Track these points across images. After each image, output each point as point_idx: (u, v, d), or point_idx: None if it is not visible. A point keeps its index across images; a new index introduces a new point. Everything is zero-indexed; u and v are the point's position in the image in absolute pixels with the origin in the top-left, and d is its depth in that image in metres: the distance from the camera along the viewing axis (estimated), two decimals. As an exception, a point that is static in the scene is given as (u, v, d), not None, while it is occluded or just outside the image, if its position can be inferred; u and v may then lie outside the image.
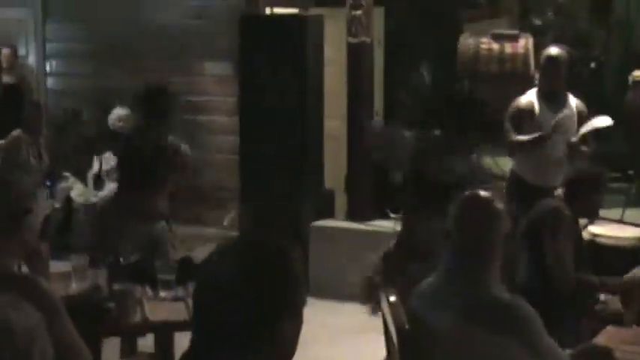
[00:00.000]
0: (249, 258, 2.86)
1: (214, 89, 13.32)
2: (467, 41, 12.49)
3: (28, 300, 2.77)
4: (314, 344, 8.76)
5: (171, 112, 7.82)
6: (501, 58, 12.19)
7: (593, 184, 7.23)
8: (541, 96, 8.99)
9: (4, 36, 14.11)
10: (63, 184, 12.52)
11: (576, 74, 10.46)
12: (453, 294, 4.38)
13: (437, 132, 11.17)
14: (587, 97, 9.36)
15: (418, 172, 9.71)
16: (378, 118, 12.45)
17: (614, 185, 11.73)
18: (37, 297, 4.02)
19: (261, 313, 2.81)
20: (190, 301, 4.42)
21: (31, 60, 15.17)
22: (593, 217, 7.69)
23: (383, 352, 5.11)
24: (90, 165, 12.86)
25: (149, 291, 6.25)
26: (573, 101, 9.05)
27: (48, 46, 15.02)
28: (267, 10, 13.19)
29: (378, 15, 12.29)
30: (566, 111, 8.91)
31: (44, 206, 7.14)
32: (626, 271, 8.25)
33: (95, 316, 5.74)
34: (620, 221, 10.23)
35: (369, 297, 7.93)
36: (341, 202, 11.45)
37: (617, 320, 6.78)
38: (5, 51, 13.83)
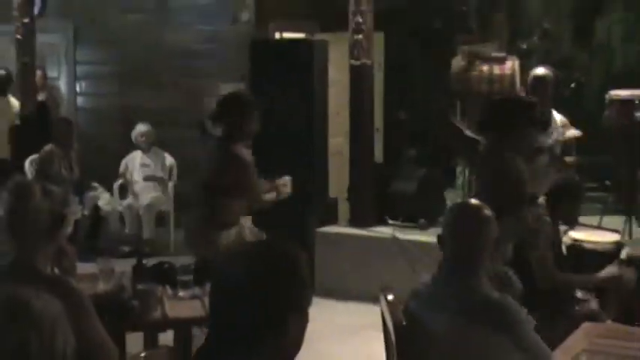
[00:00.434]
0: (258, 262, 2.88)
1: (228, 107, 13.34)
2: (459, 63, 12.51)
3: (56, 296, 2.79)
4: (319, 341, 8.75)
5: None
6: (490, 78, 12.19)
7: (573, 193, 7.27)
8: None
9: (39, 59, 14.13)
10: (91, 194, 12.56)
11: (560, 93, 10.47)
12: (449, 296, 4.38)
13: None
14: (569, 114, 9.39)
15: None
16: (378, 135, 12.48)
17: (593, 194, 11.74)
18: (66, 294, 4.05)
19: (269, 312, 2.83)
20: (207, 300, 4.45)
21: (63, 81, 15.26)
22: (573, 224, 7.70)
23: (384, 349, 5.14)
24: (115, 177, 12.88)
25: (169, 290, 6.27)
26: (557, 116, 9.09)
27: (78, 68, 15.10)
28: (276, 35, 13.24)
29: (378, 39, 12.31)
30: (552, 128, 8.94)
31: (74, 212, 7.14)
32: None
33: (120, 313, 5.76)
34: (599, 227, 10.26)
35: None
36: (344, 209, 11.46)
37: (594, 317, 6.82)
38: (37, 73, 13.86)
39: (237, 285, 2.87)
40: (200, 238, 7.56)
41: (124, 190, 12.76)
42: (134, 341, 6.14)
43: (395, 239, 10.42)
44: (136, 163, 12.84)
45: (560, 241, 7.36)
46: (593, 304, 7.26)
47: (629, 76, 14.10)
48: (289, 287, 2.91)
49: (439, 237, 4.63)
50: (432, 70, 13.86)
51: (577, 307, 7.05)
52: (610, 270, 7.35)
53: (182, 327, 6.02)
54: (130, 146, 12.90)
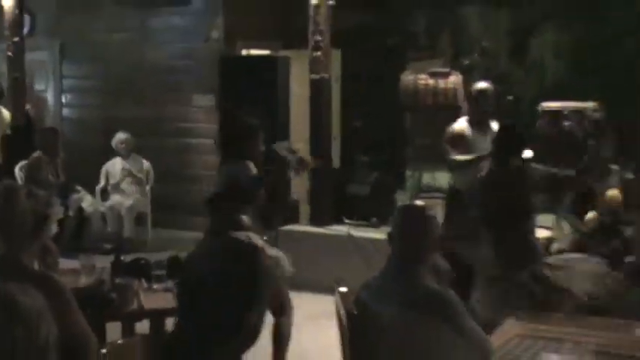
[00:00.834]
0: (224, 257, 2.88)
1: (201, 117, 13.33)
2: (407, 78, 12.53)
3: (39, 290, 2.78)
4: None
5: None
6: (436, 91, 12.24)
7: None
8: (470, 122, 9.04)
9: (29, 74, 14.13)
10: (75, 196, 12.49)
11: (499, 105, 10.50)
12: (395, 288, 4.38)
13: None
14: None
15: None
16: (335, 142, 12.49)
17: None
18: (49, 288, 4.03)
19: (234, 301, 2.83)
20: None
21: (50, 94, 15.21)
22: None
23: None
24: (97, 181, 12.84)
25: (144, 284, 6.26)
26: (495, 125, 9.11)
27: (64, 82, 15.07)
28: (244, 52, 13.22)
29: (336, 56, 12.33)
30: (493, 135, 8.97)
31: (57, 213, 7.11)
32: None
33: (100, 305, 5.74)
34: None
35: None
36: (305, 210, 11.48)
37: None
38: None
39: (200, 278, 2.87)
40: None
41: (105, 193, 12.71)
42: (113, 330, 6.12)
43: (350, 237, 10.44)
44: (116, 169, 12.79)
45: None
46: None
47: (559, 89, 14.19)
48: (252, 280, 2.91)
49: (389, 235, 4.63)
50: (384, 83, 13.86)
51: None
52: None
53: (156, 317, 6.00)
54: (110, 153, 12.85)
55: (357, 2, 14.14)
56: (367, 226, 10.76)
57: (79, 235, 12.26)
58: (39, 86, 15.06)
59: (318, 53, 10.77)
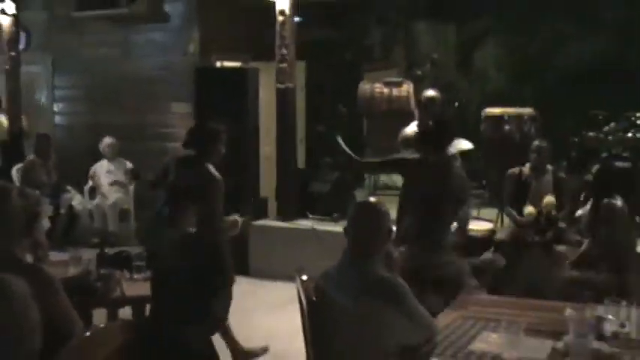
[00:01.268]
0: (187, 250, 2.90)
1: (178, 123, 13.27)
2: (365, 86, 12.58)
3: (31, 280, 2.80)
4: (254, 313, 8.80)
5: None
6: (390, 99, 12.29)
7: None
8: (421, 127, 9.06)
9: (24, 85, 14.15)
10: (66, 195, 12.45)
11: (446, 111, 10.55)
12: (350, 277, 4.38)
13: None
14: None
15: None
16: (300, 145, 12.52)
17: (473, 192, 11.86)
18: (40, 279, 4.05)
19: (200, 289, 2.85)
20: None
21: (44, 103, 15.14)
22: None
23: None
24: (86, 181, 12.81)
25: (126, 274, 6.26)
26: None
27: (56, 92, 14.99)
28: (217, 64, 13.22)
29: (300, 67, 12.36)
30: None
31: (46, 211, 7.11)
32: (480, 254, 8.42)
33: (87, 293, 5.74)
34: (477, 218, 10.36)
35: None
36: (272, 206, 11.49)
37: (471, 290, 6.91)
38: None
39: (170, 269, 2.90)
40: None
41: (93, 192, 12.68)
42: (99, 316, 6.12)
43: (314, 230, 10.47)
44: (102, 170, 12.74)
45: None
46: (472, 281, 7.35)
47: (500, 97, 14.28)
48: (215, 270, 2.93)
49: (344, 229, 4.63)
50: (344, 91, 13.91)
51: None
52: (485, 256, 7.46)
53: (138, 303, 5.99)
54: (97, 156, 12.81)
55: (319, 19, 14.19)
56: (329, 220, 10.79)
57: (69, 230, 12.22)
58: (33, 96, 15.01)
59: (284, 65, 10.79)
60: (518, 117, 11.27)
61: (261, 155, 11.85)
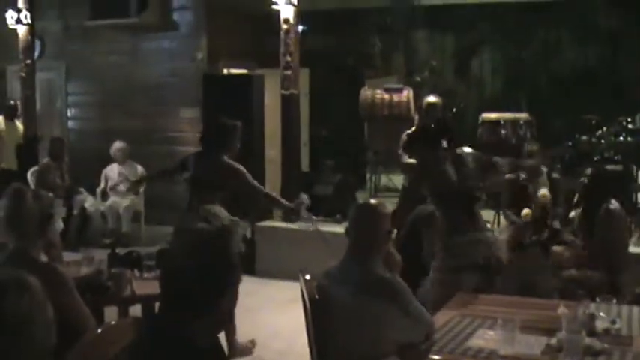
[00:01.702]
0: (195, 248, 2.90)
1: (186, 127, 13.33)
2: (366, 92, 12.58)
3: (45, 278, 2.81)
4: (260, 312, 8.81)
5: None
6: (390, 104, 12.29)
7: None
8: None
9: (39, 91, 14.20)
10: (79, 197, 12.47)
11: (446, 116, 10.54)
12: (351, 276, 4.39)
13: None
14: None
15: None
16: (304, 148, 12.51)
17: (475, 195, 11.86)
18: (54, 277, 4.08)
19: (207, 287, 2.85)
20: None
21: (58, 108, 15.19)
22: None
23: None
24: (98, 183, 12.83)
25: (137, 273, 6.27)
26: (444, 134, 9.12)
27: (69, 98, 15.05)
28: (224, 71, 13.25)
29: (304, 73, 12.33)
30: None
31: (60, 213, 7.14)
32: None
33: (99, 291, 5.76)
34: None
35: None
36: (277, 208, 11.49)
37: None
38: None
39: (179, 267, 2.89)
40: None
41: (104, 194, 12.69)
42: (110, 313, 6.13)
43: (317, 231, 10.45)
44: (113, 173, 12.76)
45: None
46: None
47: (496, 102, 14.29)
48: (222, 269, 2.92)
49: (346, 230, 4.65)
50: (346, 97, 13.92)
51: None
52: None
53: (147, 302, 6.01)
54: (109, 159, 12.83)
55: (322, 27, 14.21)
56: (332, 221, 10.76)
57: (82, 231, 12.23)
58: (48, 102, 15.06)
59: (289, 71, 10.79)
60: (514, 122, 11.28)
61: (266, 159, 11.86)
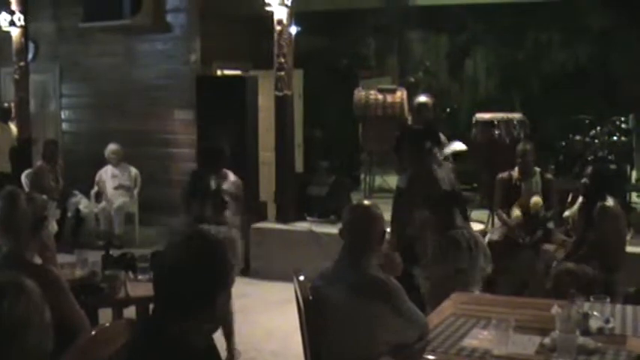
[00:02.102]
0: (191, 250, 2.90)
1: (180, 129, 13.32)
2: (360, 93, 12.58)
3: (39, 280, 2.80)
4: (253, 313, 8.81)
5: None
6: (384, 105, 12.29)
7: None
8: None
9: (32, 93, 14.18)
10: (73, 199, 12.46)
11: (438, 116, 10.56)
12: (345, 276, 4.40)
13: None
14: (445, 133, 9.48)
15: None
16: (298, 149, 12.51)
17: (465, 194, 11.87)
18: (48, 279, 4.08)
19: (200, 289, 2.85)
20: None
21: (52, 111, 15.17)
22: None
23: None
24: (92, 186, 12.81)
25: (131, 275, 6.27)
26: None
27: (63, 100, 15.02)
28: (218, 72, 13.25)
29: (298, 75, 12.33)
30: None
31: (53, 215, 7.14)
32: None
33: (93, 293, 5.76)
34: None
35: None
36: (272, 209, 11.48)
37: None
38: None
39: (174, 268, 2.90)
40: None
41: (98, 196, 12.68)
42: (104, 315, 6.13)
43: (311, 232, 10.47)
44: (108, 175, 12.76)
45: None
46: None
47: (490, 102, 14.32)
48: (215, 270, 2.93)
49: (340, 231, 4.65)
50: (340, 98, 13.93)
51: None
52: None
53: (141, 303, 6.01)
54: (103, 161, 12.82)
55: (316, 29, 14.21)
56: (326, 222, 10.77)
57: (76, 233, 12.22)
58: (41, 105, 15.05)
59: (282, 73, 10.79)
60: (508, 122, 11.26)
61: (260, 160, 11.84)
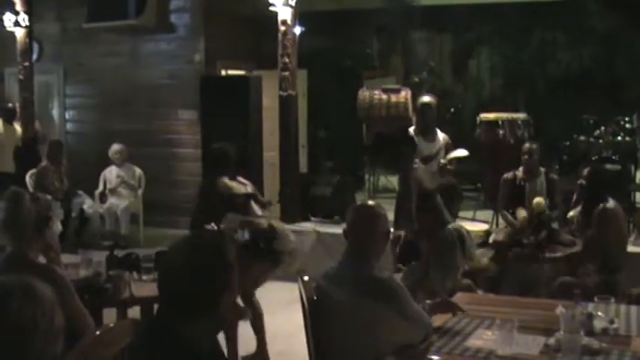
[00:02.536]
0: (192, 251, 2.90)
1: (184, 129, 13.34)
2: (364, 93, 12.59)
3: (44, 281, 2.80)
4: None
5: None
6: (388, 105, 12.30)
7: (451, 192, 7.34)
8: (418, 131, 9.06)
9: (37, 94, 14.23)
10: (78, 199, 12.46)
11: (441, 116, 10.54)
12: (349, 277, 4.39)
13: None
14: (450, 133, 9.47)
15: None
16: (303, 150, 12.51)
17: (469, 194, 11.88)
18: (52, 279, 4.07)
19: (205, 289, 2.85)
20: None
21: (56, 111, 15.20)
22: (453, 217, 7.75)
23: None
24: (96, 186, 12.82)
25: (135, 275, 6.27)
26: (440, 134, 9.13)
27: (67, 101, 15.05)
28: (222, 72, 13.26)
29: (302, 75, 12.34)
30: (437, 142, 9.01)
31: (58, 215, 7.16)
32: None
33: (97, 293, 5.76)
34: (473, 219, 10.37)
35: None
36: (276, 209, 11.46)
37: (468, 289, 6.92)
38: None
39: (177, 269, 2.89)
40: None
41: (102, 196, 12.68)
42: (109, 315, 6.13)
43: (316, 232, 10.47)
44: (112, 175, 12.77)
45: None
46: (468, 280, 7.36)
47: (494, 102, 14.30)
48: (220, 270, 2.92)
49: (344, 231, 4.65)
50: (345, 98, 13.93)
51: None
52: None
53: (146, 304, 6.00)
54: (107, 161, 12.82)
55: (320, 29, 14.20)
56: (330, 222, 10.78)
57: (80, 233, 12.23)
58: (46, 105, 15.08)
59: (286, 73, 10.80)
60: (512, 122, 11.27)
61: (265, 160, 11.85)
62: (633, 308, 5.12)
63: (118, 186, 12.71)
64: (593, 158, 11.28)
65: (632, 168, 11.49)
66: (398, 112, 12.19)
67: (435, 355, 4.31)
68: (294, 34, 10.80)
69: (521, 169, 8.88)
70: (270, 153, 11.89)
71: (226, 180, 7.70)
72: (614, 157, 11.37)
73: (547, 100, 15.04)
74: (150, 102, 13.71)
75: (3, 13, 13.54)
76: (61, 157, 12.62)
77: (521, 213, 8.57)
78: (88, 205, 12.51)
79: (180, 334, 2.85)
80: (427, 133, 9.09)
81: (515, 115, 11.54)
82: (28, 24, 13.54)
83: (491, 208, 10.33)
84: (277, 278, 9.84)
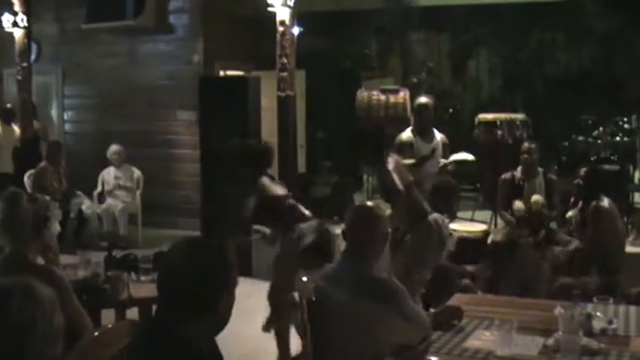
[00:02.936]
0: (194, 252, 2.90)
1: (183, 130, 13.34)
2: (362, 94, 12.59)
3: (43, 282, 2.80)
4: (257, 313, 8.76)
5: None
6: (387, 105, 12.30)
7: (450, 192, 7.33)
8: (416, 132, 9.07)
9: (35, 95, 14.19)
10: (76, 200, 12.46)
11: (439, 116, 10.56)
12: (347, 277, 4.39)
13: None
14: (449, 133, 9.49)
15: None
16: (301, 150, 12.51)
17: (468, 194, 11.89)
18: (50, 280, 4.07)
19: (203, 290, 2.84)
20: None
21: (54, 112, 15.21)
22: (452, 217, 7.74)
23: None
24: (95, 186, 12.82)
25: (133, 276, 6.27)
26: (438, 135, 9.14)
27: (66, 101, 15.06)
28: (220, 73, 13.26)
29: (300, 75, 12.34)
30: (434, 142, 9.02)
31: (56, 215, 7.15)
32: (474, 255, 8.39)
33: (96, 294, 5.76)
34: (471, 220, 10.38)
35: None
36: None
37: (467, 289, 6.93)
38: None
39: (176, 269, 2.89)
40: None
41: (101, 197, 12.69)
42: (107, 316, 6.13)
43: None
44: (110, 176, 12.77)
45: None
46: (467, 281, 7.37)
47: (492, 103, 14.31)
48: (219, 272, 2.92)
49: (342, 232, 4.65)
50: (343, 98, 13.93)
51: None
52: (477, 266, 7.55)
53: (144, 304, 6.00)
54: (106, 162, 12.83)
55: (319, 29, 14.21)
56: (329, 223, 10.75)
57: (79, 234, 12.23)
58: (44, 105, 15.08)
59: (285, 73, 10.77)
60: (511, 122, 11.28)
61: (263, 161, 11.84)
62: (632, 308, 5.12)
63: (116, 187, 12.71)
64: (592, 158, 11.30)
65: (631, 168, 11.50)
66: (396, 112, 12.19)
67: (433, 355, 4.31)
68: (292, 34, 10.78)
69: (519, 169, 8.89)
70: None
71: (267, 181, 7.65)
72: (612, 158, 11.39)
73: (546, 101, 15.05)
74: (148, 103, 13.72)
75: (1, 14, 13.52)
76: (59, 157, 12.61)
77: (517, 204, 8.58)
78: (86, 205, 12.51)
79: (180, 334, 2.84)
80: (424, 133, 9.11)
81: (513, 116, 11.56)
82: (26, 24, 13.52)
83: (490, 208, 10.34)
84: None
